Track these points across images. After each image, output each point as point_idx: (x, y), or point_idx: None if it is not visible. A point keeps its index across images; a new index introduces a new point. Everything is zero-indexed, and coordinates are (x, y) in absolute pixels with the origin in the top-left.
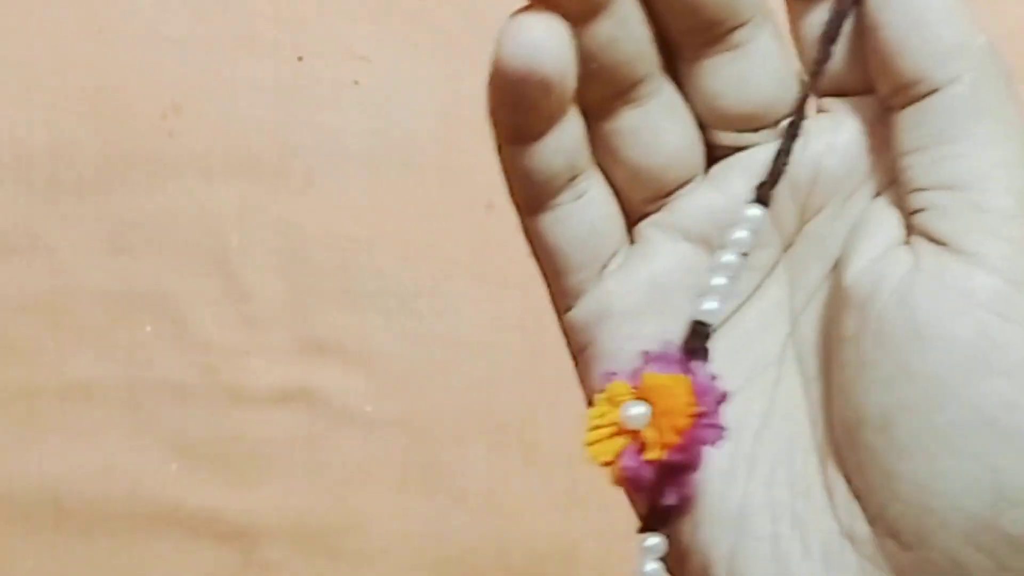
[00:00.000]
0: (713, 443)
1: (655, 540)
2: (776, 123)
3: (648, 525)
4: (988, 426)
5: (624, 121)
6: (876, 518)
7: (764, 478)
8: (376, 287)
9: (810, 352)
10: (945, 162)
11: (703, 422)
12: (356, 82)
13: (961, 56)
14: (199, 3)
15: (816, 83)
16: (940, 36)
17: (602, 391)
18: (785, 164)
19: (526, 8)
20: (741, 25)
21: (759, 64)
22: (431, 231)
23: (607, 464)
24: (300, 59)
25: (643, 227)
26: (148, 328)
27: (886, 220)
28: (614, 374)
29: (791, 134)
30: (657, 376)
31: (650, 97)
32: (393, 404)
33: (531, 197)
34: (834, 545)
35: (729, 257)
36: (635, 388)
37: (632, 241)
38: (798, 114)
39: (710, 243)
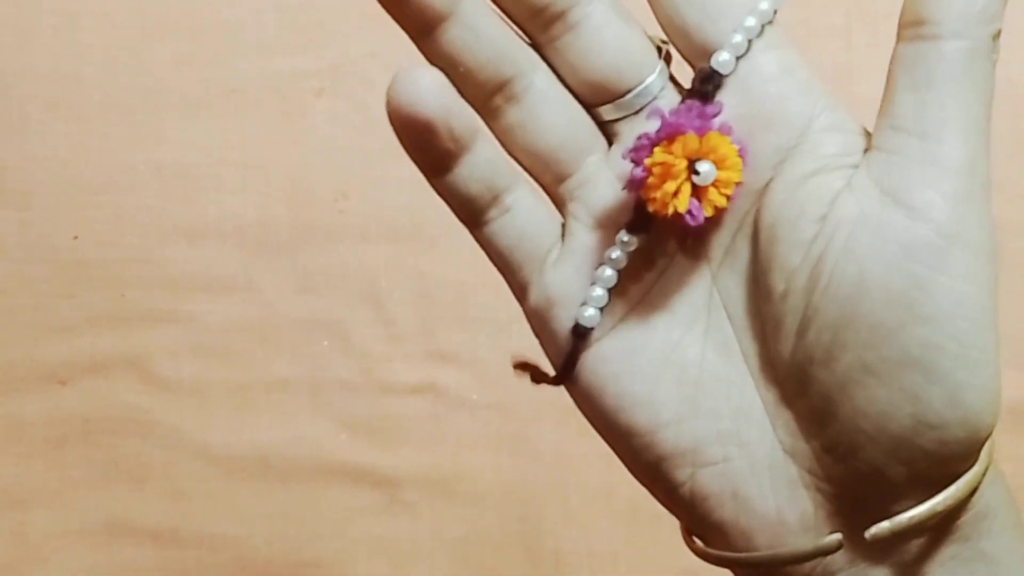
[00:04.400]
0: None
1: (630, 238)
2: (626, 92)
3: (635, 227)
4: (914, 364)
5: (510, 118)
6: (814, 436)
7: (709, 413)
8: (481, 315)
9: (735, 297)
10: (930, 110)
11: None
12: None
13: (977, 22)
14: (360, 121)
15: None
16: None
17: (666, 137)
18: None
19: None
20: (572, 7)
21: (596, 38)
22: None
23: (681, 214)
24: None
25: (568, 220)
26: (325, 343)
27: (819, 149)
28: (671, 124)
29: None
30: (719, 137)
31: (526, 90)
32: (490, 394)
33: (464, 217)
34: (778, 460)
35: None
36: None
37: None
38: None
39: (619, 224)
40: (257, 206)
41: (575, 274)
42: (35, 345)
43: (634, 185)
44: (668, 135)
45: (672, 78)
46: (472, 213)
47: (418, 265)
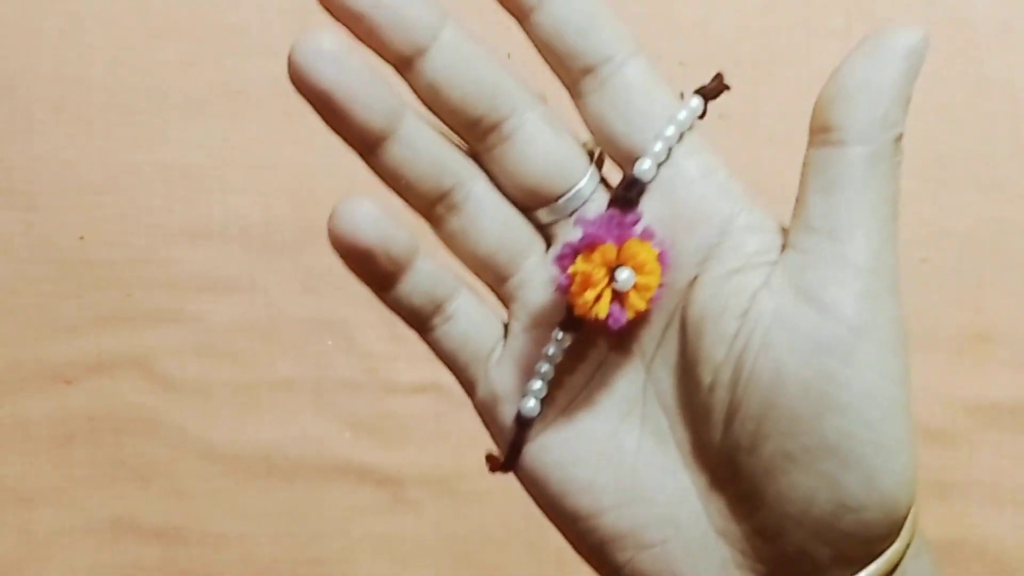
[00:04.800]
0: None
1: (564, 335)
2: (558, 197)
3: (568, 326)
4: (831, 451)
5: (452, 225)
6: (744, 519)
7: (646, 499)
8: None
9: (668, 388)
10: (838, 212)
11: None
12: None
13: (879, 128)
14: None
15: (602, 156)
16: (873, 107)
17: (586, 248)
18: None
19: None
20: (506, 118)
21: (529, 147)
22: None
23: (602, 319)
24: None
25: (510, 319)
26: (330, 342)
27: (740, 248)
28: (590, 235)
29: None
30: (639, 244)
31: (465, 199)
32: None
33: (412, 325)
34: (711, 542)
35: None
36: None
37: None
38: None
39: (553, 323)
40: (261, 206)
41: (517, 370)
42: (40, 344)
43: (560, 290)
44: (588, 245)
45: (604, 180)
46: (418, 322)
47: None
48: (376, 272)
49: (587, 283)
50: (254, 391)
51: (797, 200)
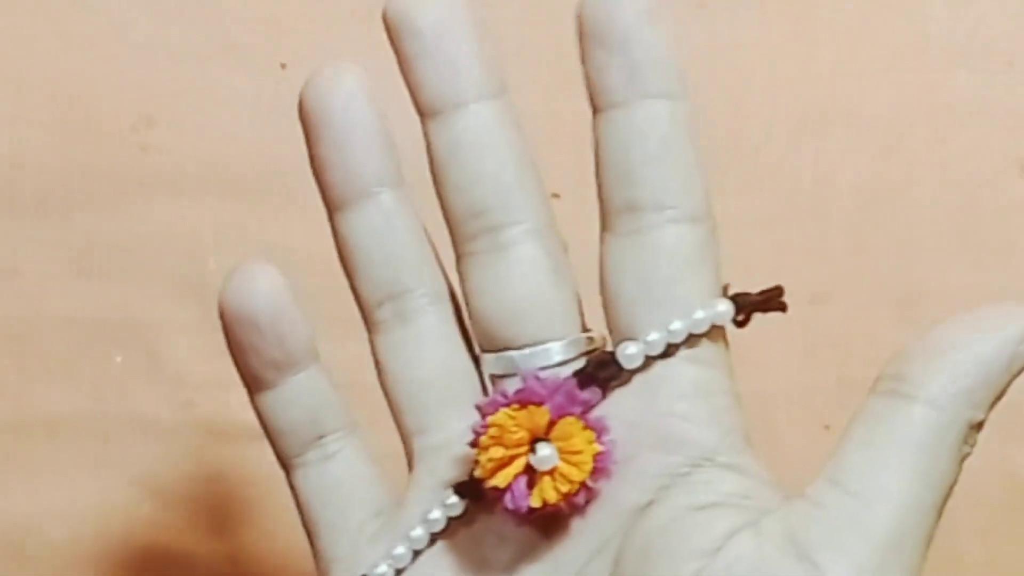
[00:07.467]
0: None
1: (455, 500)
2: (521, 345)
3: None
4: None
5: (392, 337)
6: None
7: None
8: (353, 314)
9: None
10: (873, 471)
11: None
12: None
13: (959, 401)
14: (172, 7)
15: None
16: (958, 375)
17: (517, 402)
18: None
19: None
20: (504, 226)
21: (516, 269)
22: None
23: (500, 489)
24: (283, 66)
25: (409, 486)
26: (118, 359)
27: (713, 484)
28: (529, 389)
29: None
30: (577, 428)
31: (417, 313)
32: (386, 434)
33: (278, 450)
34: None
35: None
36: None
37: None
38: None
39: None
40: (8, 140)
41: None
42: None
43: (471, 441)
44: (521, 400)
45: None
46: (286, 447)
47: (265, 234)
48: (261, 356)
49: (500, 441)
50: (1, 438)
51: (831, 454)
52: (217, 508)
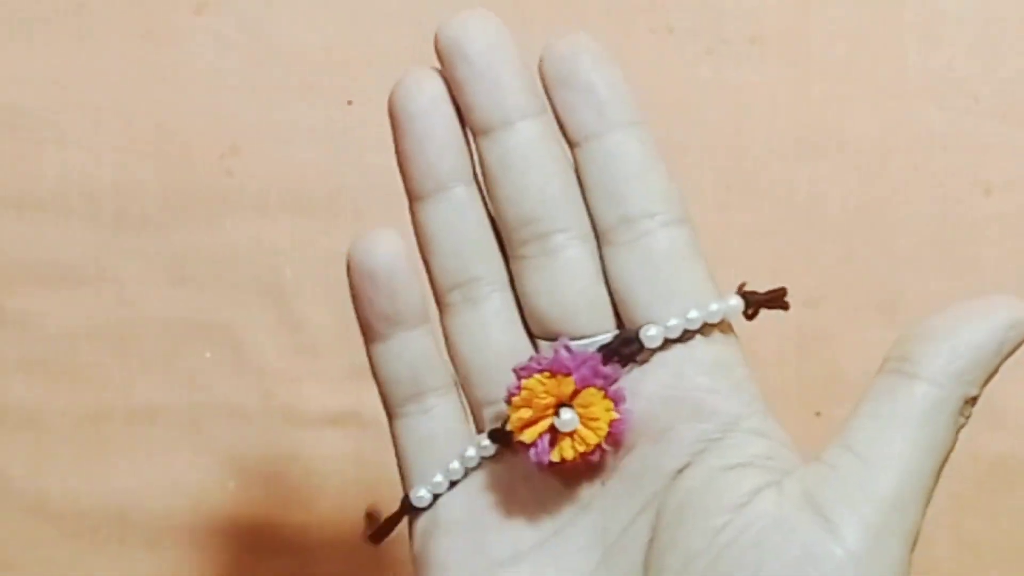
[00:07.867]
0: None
1: (488, 444)
2: (572, 339)
3: (494, 437)
4: None
5: (461, 318)
6: None
7: None
8: None
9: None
10: (881, 440)
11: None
12: None
13: (954, 379)
14: (255, 50)
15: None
16: (953, 358)
17: (547, 370)
18: None
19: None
20: (552, 233)
21: (567, 272)
22: None
23: (526, 444)
24: (349, 103)
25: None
26: (208, 355)
27: (743, 447)
28: (558, 360)
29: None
30: (597, 397)
31: (483, 299)
32: None
33: (384, 399)
34: None
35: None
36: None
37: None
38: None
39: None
40: (114, 166)
41: (468, 504)
42: None
43: (505, 398)
44: (551, 368)
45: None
46: (391, 398)
47: (335, 247)
48: (376, 306)
49: (529, 403)
50: (102, 424)
51: (844, 422)
52: (292, 485)
